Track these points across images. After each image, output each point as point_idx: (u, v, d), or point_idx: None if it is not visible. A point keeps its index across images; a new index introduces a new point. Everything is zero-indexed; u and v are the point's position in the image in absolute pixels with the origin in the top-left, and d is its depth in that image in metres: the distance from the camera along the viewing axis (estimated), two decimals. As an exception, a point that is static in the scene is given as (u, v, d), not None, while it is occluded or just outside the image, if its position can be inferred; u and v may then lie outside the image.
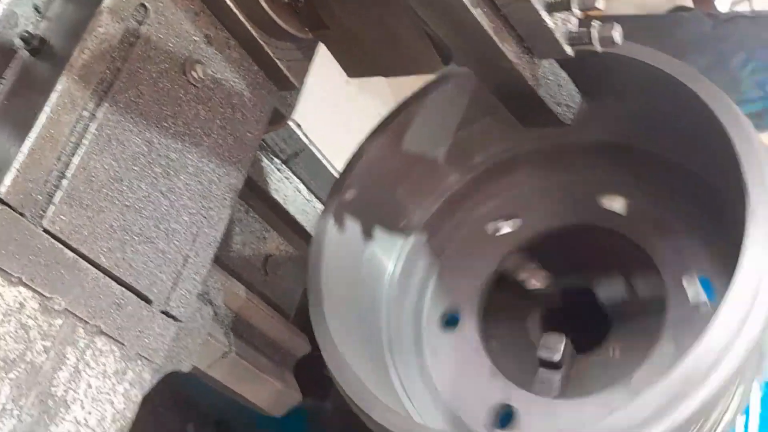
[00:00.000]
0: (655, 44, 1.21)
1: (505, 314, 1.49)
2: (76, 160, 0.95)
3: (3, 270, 0.87)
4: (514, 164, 1.56)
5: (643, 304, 1.40)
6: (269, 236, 1.63)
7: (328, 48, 1.27)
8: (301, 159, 1.64)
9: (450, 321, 1.48)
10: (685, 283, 1.36)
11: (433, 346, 1.47)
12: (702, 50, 2.80)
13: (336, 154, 1.70)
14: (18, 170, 0.88)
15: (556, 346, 1.37)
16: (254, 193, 1.57)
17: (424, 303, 1.53)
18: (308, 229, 1.67)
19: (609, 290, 1.41)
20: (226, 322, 1.45)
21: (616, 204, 1.51)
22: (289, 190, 1.64)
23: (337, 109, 1.40)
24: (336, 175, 1.71)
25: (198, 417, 1.99)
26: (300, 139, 1.60)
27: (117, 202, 1.01)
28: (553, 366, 1.36)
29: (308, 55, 1.28)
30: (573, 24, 1.07)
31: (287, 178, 1.64)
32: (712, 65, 3.87)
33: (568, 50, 1.10)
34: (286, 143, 1.60)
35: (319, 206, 1.70)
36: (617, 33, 1.09)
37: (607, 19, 1.09)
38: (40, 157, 0.91)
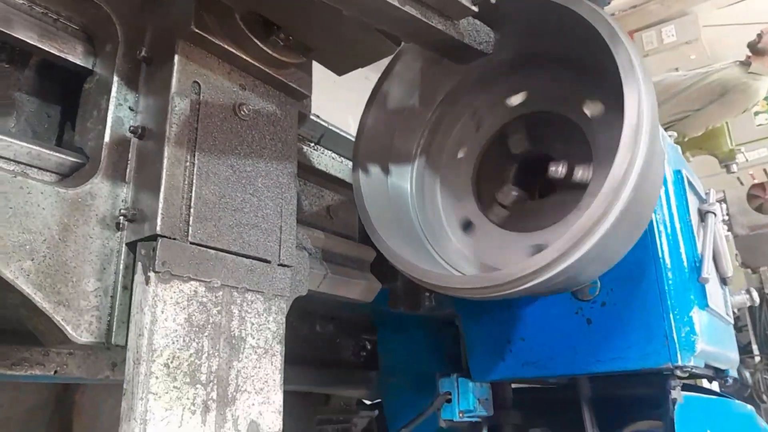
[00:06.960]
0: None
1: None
2: (192, 194, 0.99)
3: (178, 275, 0.95)
4: (458, 93, 1.52)
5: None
6: (325, 193, 1.65)
7: (317, 61, 1.28)
8: (326, 137, 1.64)
9: (466, 226, 1.48)
10: (584, 109, 1.35)
11: (458, 237, 1.48)
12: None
13: (345, 124, 1.71)
14: (162, 213, 0.94)
15: (510, 194, 1.42)
16: (306, 171, 1.58)
17: (440, 208, 1.52)
18: (346, 179, 1.67)
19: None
20: (318, 256, 1.47)
21: (519, 97, 1.48)
22: (325, 160, 1.65)
23: (338, 95, 1.40)
24: (351, 138, 1.73)
25: (320, 317, 2.09)
26: (321, 124, 1.59)
27: (226, 210, 1.05)
28: (503, 207, 1.42)
29: (308, 70, 1.27)
30: (471, -12, 1.08)
31: (322, 153, 1.65)
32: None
33: (474, 9, 1.12)
34: (314, 130, 1.60)
35: (348, 163, 1.71)
36: (503, -15, 1.10)
37: None
38: (171, 200, 0.96)
